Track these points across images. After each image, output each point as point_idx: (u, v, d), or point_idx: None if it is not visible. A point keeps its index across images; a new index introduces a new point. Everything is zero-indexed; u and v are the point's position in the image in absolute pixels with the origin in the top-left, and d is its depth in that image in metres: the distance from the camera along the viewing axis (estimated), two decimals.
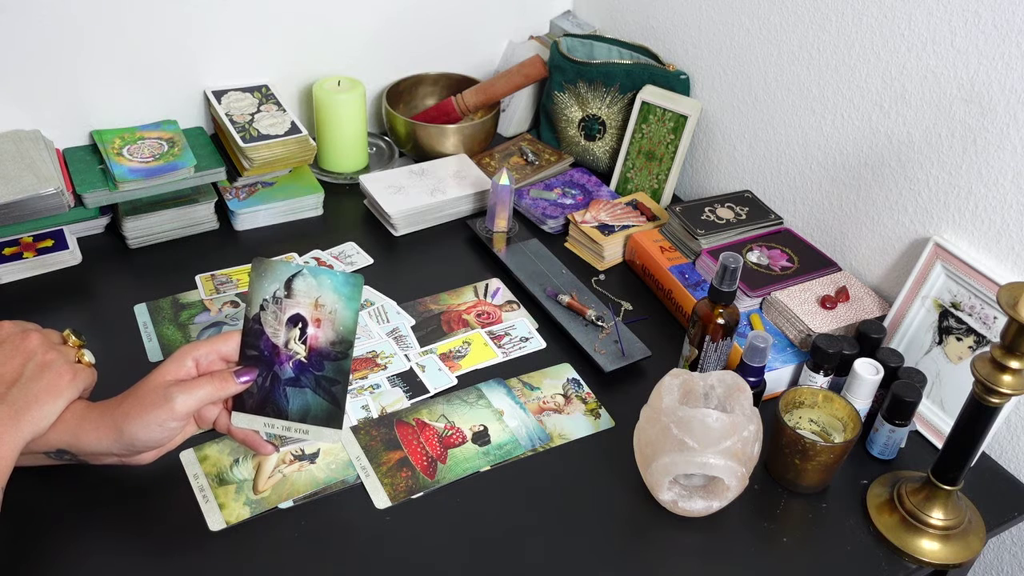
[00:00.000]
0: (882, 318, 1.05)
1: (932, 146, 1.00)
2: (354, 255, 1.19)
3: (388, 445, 0.92)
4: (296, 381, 0.79)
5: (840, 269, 1.14)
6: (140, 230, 1.16)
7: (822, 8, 1.09)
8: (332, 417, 0.80)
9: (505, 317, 1.11)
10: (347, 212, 1.29)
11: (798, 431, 0.87)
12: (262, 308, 0.78)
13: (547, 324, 1.10)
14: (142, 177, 1.13)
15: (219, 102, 1.27)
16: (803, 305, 1.06)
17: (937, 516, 0.86)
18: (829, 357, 0.95)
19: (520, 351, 1.06)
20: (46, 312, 1.05)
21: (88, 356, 0.80)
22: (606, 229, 1.22)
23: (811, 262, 1.13)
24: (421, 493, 0.88)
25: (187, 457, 0.88)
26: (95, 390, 0.81)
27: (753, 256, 1.13)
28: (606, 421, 0.98)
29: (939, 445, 0.97)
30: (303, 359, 0.78)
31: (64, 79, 1.19)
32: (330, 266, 1.17)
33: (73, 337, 0.81)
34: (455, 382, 1.01)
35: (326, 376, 0.79)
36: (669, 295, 1.13)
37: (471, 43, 1.49)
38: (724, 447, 0.80)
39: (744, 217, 1.19)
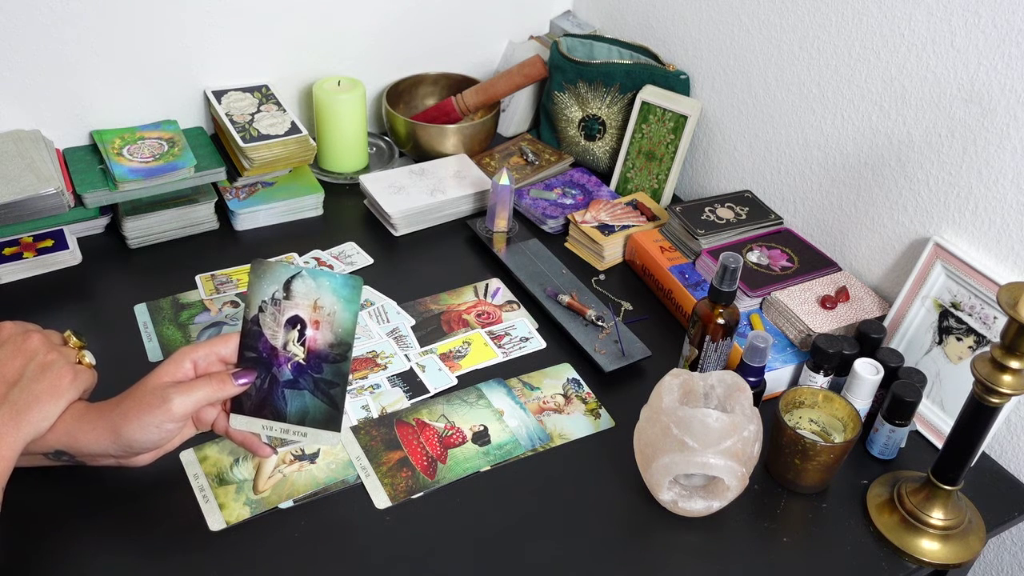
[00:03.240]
0: (882, 318, 1.05)
1: (932, 146, 1.00)
2: (354, 255, 1.19)
3: (388, 445, 0.92)
4: (295, 383, 0.79)
5: (840, 269, 1.14)
6: (140, 230, 1.16)
7: (822, 8, 1.09)
8: (331, 420, 0.79)
9: (505, 317, 1.11)
10: (347, 212, 1.29)
11: (798, 431, 0.87)
12: (261, 310, 0.78)
13: (547, 324, 1.10)
14: (142, 177, 1.13)
15: (219, 102, 1.27)
16: (803, 305, 1.06)
17: (937, 516, 0.86)
18: (829, 357, 0.95)
19: (520, 351, 1.06)
20: (46, 312, 1.05)
21: (89, 357, 0.80)
22: (606, 229, 1.22)
23: (811, 262, 1.13)
24: (421, 493, 0.88)
25: (187, 457, 0.88)
26: (95, 390, 0.81)
27: (753, 256, 1.13)
28: (606, 421, 0.98)
29: (939, 445, 0.97)
30: (302, 361, 0.78)
31: (64, 79, 1.19)
32: (330, 266, 1.17)
33: (74, 338, 0.81)
34: (455, 382, 1.01)
35: (324, 378, 0.79)
36: (669, 295, 1.13)
37: (471, 43, 1.49)
38: (724, 447, 0.80)
39: (744, 217, 1.19)
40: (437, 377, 1.01)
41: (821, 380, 0.97)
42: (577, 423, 0.97)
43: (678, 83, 1.30)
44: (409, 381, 1.00)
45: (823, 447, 0.86)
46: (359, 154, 1.36)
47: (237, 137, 1.21)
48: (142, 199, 1.17)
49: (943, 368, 0.98)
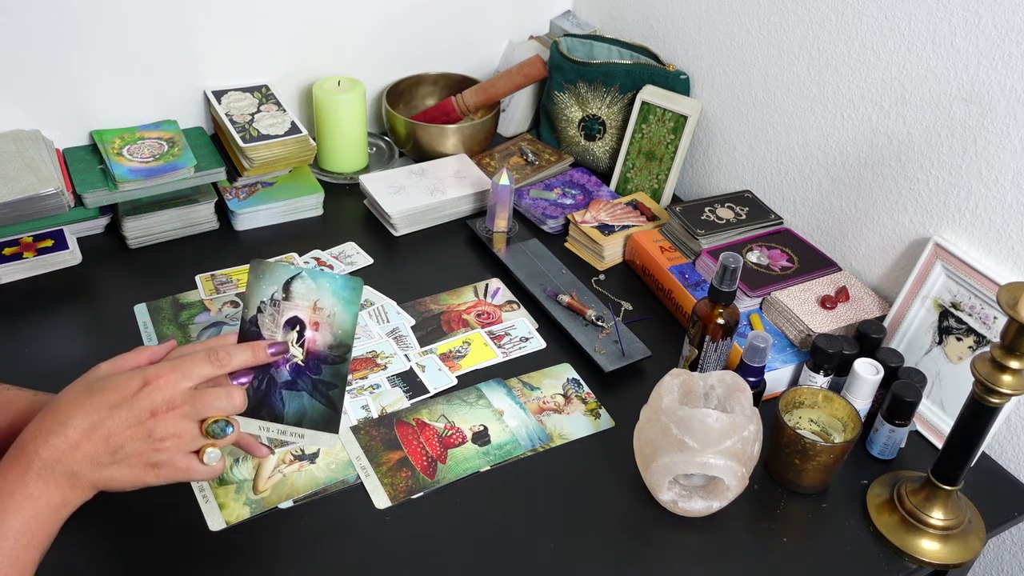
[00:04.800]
0: (882, 318, 1.05)
1: (932, 146, 1.00)
2: (354, 255, 1.19)
3: (388, 445, 0.92)
4: (293, 384, 0.78)
5: (840, 269, 1.14)
6: (140, 230, 1.16)
7: (822, 8, 1.09)
8: (329, 421, 0.79)
9: (505, 317, 1.11)
10: (347, 212, 1.29)
11: (798, 431, 0.87)
12: (259, 310, 0.77)
13: (547, 324, 1.10)
14: (142, 177, 1.13)
15: (219, 102, 1.27)
16: (803, 305, 1.06)
17: (937, 516, 0.86)
18: (829, 357, 0.95)
19: (520, 351, 1.06)
20: (46, 312, 1.05)
21: (210, 456, 0.70)
22: (606, 229, 1.22)
23: (811, 262, 1.13)
24: (421, 493, 0.88)
25: None
26: None
27: (753, 256, 1.13)
28: (606, 421, 0.98)
29: (939, 445, 0.97)
30: (300, 362, 0.78)
31: (64, 79, 1.19)
32: (330, 266, 1.17)
33: (210, 430, 0.70)
34: (455, 382, 1.01)
35: (323, 380, 0.78)
36: (669, 295, 1.13)
37: (471, 43, 1.49)
38: (724, 447, 0.80)
39: (744, 217, 1.19)
40: (437, 377, 1.01)
41: (821, 380, 0.97)
42: (577, 423, 0.97)
43: (678, 83, 1.30)
44: (409, 381, 1.00)
45: (823, 447, 0.86)
46: (359, 154, 1.36)
47: (237, 137, 1.21)
48: (142, 199, 1.17)
49: (943, 368, 0.98)
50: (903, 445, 0.96)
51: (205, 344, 0.74)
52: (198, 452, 0.70)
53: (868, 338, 0.97)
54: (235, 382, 0.77)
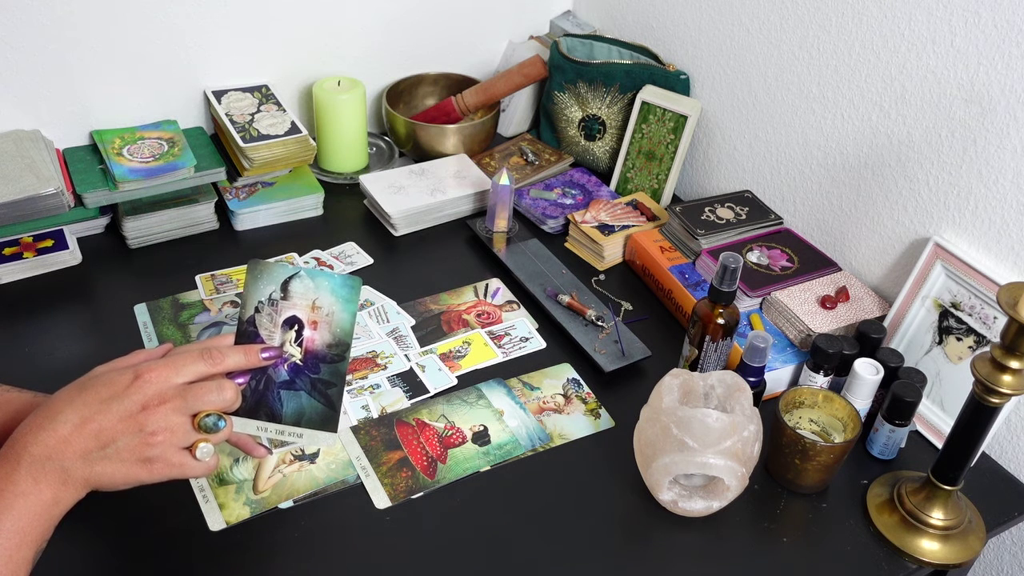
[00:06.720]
0: (882, 318, 1.05)
1: (932, 146, 1.00)
2: (354, 255, 1.20)
3: (388, 445, 0.92)
4: (291, 384, 0.78)
5: (840, 269, 1.14)
6: (140, 230, 1.16)
7: (822, 8, 1.09)
8: (327, 420, 0.79)
9: (505, 317, 1.11)
10: (347, 212, 1.29)
11: (798, 431, 0.87)
12: (257, 310, 0.77)
13: (547, 324, 1.10)
14: (142, 177, 1.13)
15: (219, 102, 1.27)
16: (803, 305, 1.06)
17: (937, 516, 0.86)
18: (829, 357, 0.95)
19: (520, 351, 1.06)
20: (46, 312, 1.05)
21: (203, 451, 0.70)
22: (606, 229, 1.22)
23: (811, 262, 1.13)
24: (421, 493, 0.88)
25: None
26: None
27: (753, 256, 1.13)
28: (606, 421, 0.98)
29: (939, 445, 0.97)
30: (299, 362, 0.78)
31: (64, 79, 1.19)
32: (330, 266, 1.17)
33: (204, 423, 0.70)
34: (455, 382, 1.01)
35: (322, 379, 0.78)
36: (669, 295, 1.13)
37: (471, 43, 1.49)
38: (724, 447, 0.80)
39: (744, 217, 1.19)
40: (437, 377, 1.01)
41: (821, 380, 0.97)
42: (577, 423, 0.97)
43: (678, 83, 1.30)
44: (409, 381, 1.00)
45: (823, 447, 0.86)
46: (359, 154, 1.36)
47: (237, 137, 1.21)
48: (142, 199, 1.17)
49: (943, 368, 0.98)
50: (903, 445, 0.96)
51: (200, 344, 0.74)
52: (191, 449, 0.70)
53: (868, 338, 0.97)
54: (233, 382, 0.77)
